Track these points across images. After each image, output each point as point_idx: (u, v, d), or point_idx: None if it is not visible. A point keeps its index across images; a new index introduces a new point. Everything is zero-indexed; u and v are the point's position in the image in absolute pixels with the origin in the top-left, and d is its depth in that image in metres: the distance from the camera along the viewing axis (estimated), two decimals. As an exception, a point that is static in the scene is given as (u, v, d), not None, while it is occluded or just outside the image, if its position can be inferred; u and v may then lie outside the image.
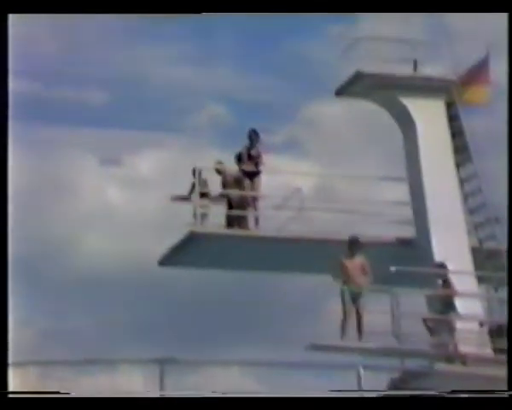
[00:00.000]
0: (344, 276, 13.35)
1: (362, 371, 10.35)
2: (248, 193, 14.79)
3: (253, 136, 14.85)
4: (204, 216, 14.54)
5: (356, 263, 13.43)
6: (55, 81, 28.07)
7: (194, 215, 14.55)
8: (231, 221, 14.72)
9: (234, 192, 14.71)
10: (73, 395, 9.79)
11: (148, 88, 29.21)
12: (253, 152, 14.95)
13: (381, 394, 10.12)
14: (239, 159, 15.09)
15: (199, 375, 11.03)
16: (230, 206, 14.73)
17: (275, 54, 28.43)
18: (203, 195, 14.65)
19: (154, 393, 10.10)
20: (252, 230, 14.81)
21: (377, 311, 13.52)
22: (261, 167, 14.89)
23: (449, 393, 9.82)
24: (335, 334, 13.31)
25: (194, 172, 14.69)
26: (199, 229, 14.59)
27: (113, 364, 11.08)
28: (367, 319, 13.40)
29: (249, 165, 14.90)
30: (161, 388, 10.58)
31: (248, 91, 29.25)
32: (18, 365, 10.50)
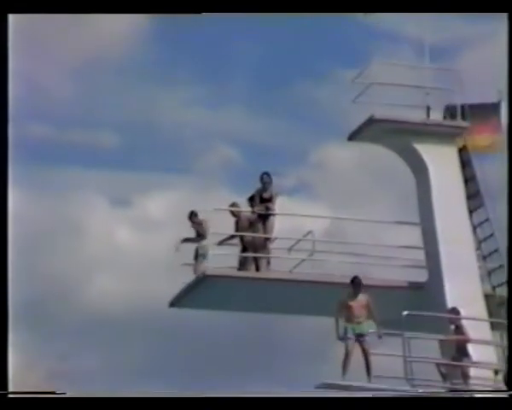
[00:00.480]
0: (347, 315, 13.38)
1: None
2: (260, 235, 14.88)
3: (266, 178, 14.99)
4: (203, 257, 14.62)
5: (359, 302, 13.46)
6: (66, 124, 28.36)
7: (196, 257, 14.68)
8: (244, 263, 14.78)
9: (246, 234, 14.81)
10: (73, 395, 9.72)
11: (160, 130, 29.47)
12: (266, 194, 15.06)
13: (382, 394, 10.04)
14: (251, 201, 15.20)
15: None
16: (244, 247, 14.82)
17: (286, 97, 28.69)
18: (200, 236, 14.78)
19: (155, 393, 9.99)
20: (263, 271, 14.85)
21: (389, 355, 13.45)
22: (274, 210, 14.98)
23: (449, 393, 9.73)
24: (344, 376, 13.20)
25: (190, 215, 14.94)
26: (210, 271, 14.66)
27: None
28: (378, 362, 13.34)
29: (261, 207, 15.00)
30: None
31: (259, 134, 29.46)
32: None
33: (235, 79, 29.60)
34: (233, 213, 15.00)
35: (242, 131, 29.09)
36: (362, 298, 13.49)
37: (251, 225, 14.87)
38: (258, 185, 15.05)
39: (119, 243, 27.41)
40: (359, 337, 13.21)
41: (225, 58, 28.69)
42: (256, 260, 14.83)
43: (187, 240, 15.03)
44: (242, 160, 29.04)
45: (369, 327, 13.27)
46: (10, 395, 9.34)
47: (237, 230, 14.91)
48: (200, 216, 14.98)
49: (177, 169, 27.88)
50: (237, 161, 29.34)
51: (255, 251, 14.78)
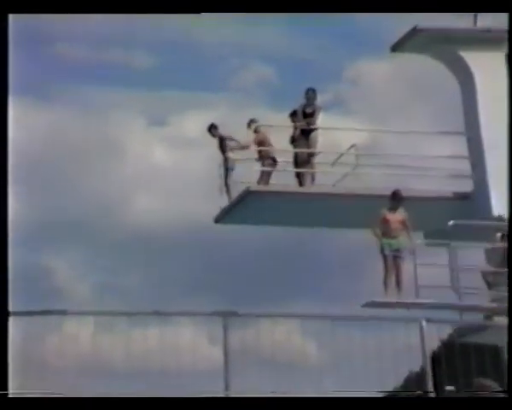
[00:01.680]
0: (384, 228, 13.31)
1: (424, 323, 10.38)
2: (302, 150, 14.84)
3: (311, 94, 14.92)
4: (231, 169, 14.61)
5: (397, 217, 13.38)
6: (103, 44, 28.25)
7: (227, 170, 14.56)
8: (262, 177, 14.70)
9: (264, 148, 14.68)
10: (73, 395, 9.91)
11: (195, 49, 29.21)
12: (309, 110, 14.96)
13: (382, 394, 10.13)
14: (293, 116, 15.12)
15: (258, 329, 11.14)
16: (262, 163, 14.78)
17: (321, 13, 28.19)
18: (223, 149, 14.68)
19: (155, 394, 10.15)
20: (307, 186, 14.86)
21: (435, 265, 13.48)
22: (316, 125, 14.92)
23: (449, 393, 9.80)
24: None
25: (210, 127, 14.85)
26: (254, 186, 14.69)
27: (176, 316, 11.21)
28: (424, 273, 13.39)
29: (304, 122, 14.93)
30: (225, 340, 10.71)
31: (295, 50, 29.08)
32: (77, 314, 10.65)
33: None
34: (254, 130, 14.82)
35: (277, 48, 28.75)
36: (399, 213, 13.40)
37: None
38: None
39: (157, 161, 27.57)
40: (396, 252, 13.19)
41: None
42: (299, 175, 14.80)
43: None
44: (278, 77, 28.79)
45: (405, 242, 13.22)
46: (10, 395, 9.43)
47: (258, 145, 14.73)
48: (221, 130, 14.82)
49: (213, 88, 27.78)
50: (273, 78, 29.08)
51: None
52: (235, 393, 10.08)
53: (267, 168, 14.72)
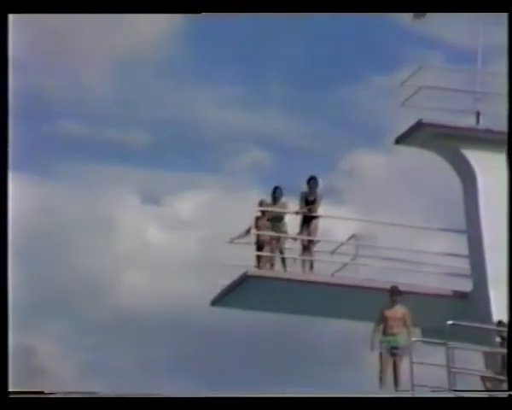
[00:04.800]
0: (383, 326, 13.22)
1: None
2: (302, 237, 14.81)
3: (313, 183, 15.07)
4: None
5: (396, 314, 13.30)
6: (101, 122, 28.42)
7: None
8: (260, 261, 14.61)
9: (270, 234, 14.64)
10: (72, 395, 9.69)
11: (192, 130, 29.45)
12: (311, 197, 15.05)
13: (383, 395, 9.92)
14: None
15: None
16: (259, 246, 14.69)
17: (321, 101, 28.58)
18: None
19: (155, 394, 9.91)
20: (306, 273, 14.75)
21: (432, 365, 13.25)
22: (318, 212, 14.95)
23: (449, 393, 9.64)
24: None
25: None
26: (252, 271, 14.57)
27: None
28: (419, 371, 13.16)
29: (305, 209, 14.96)
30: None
31: (292, 137, 29.37)
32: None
33: (271, 80, 29.52)
34: (262, 212, 14.82)
35: (275, 134, 29.01)
36: (398, 310, 13.32)
37: (268, 225, 14.67)
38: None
39: (150, 240, 27.40)
40: (393, 350, 13.06)
41: (262, 59, 28.61)
42: (283, 259, 14.69)
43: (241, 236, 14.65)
44: (273, 162, 28.99)
45: (403, 340, 13.08)
46: (10, 395, 9.23)
47: (257, 227, 14.73)
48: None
49: (207, 169, 27.88)
50: (268, 163, 29.28)
51: (271, 250, 14.57)
52: (233, 393, 9.82)
53: (269, 254, 14.65)
